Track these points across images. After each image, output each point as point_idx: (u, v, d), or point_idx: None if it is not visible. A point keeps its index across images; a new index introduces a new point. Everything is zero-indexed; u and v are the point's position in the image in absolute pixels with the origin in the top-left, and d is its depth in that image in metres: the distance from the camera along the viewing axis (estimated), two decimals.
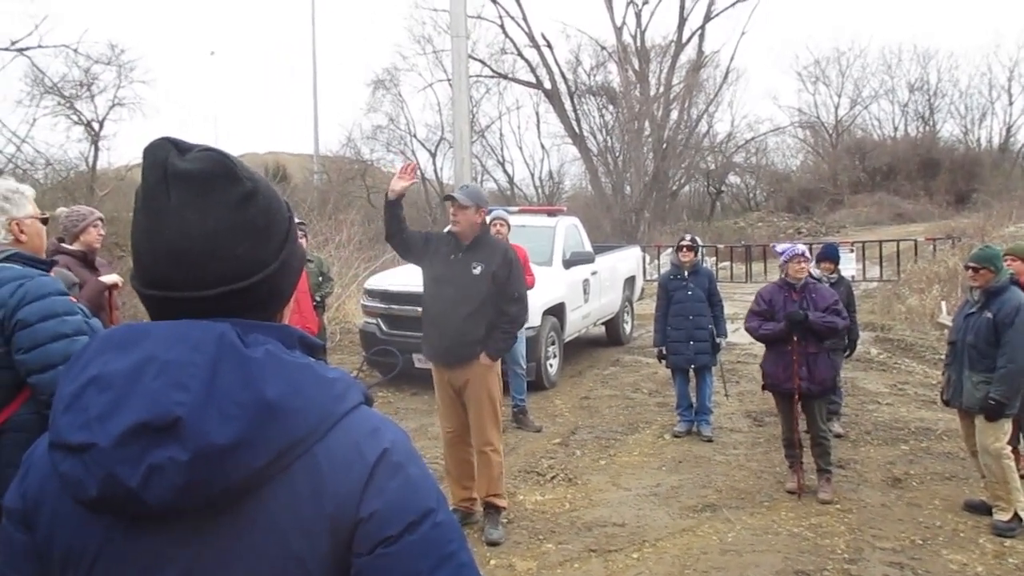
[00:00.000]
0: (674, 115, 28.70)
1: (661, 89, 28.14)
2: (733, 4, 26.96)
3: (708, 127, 32.03)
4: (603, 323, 10.36)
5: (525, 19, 26.75)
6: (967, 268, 4.80)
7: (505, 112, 38.88)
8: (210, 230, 0.87)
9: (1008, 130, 37.21)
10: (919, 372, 8.78)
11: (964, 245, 15.05)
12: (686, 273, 6.55)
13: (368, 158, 30.45)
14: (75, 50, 13.03)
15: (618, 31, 27.62)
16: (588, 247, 9.66)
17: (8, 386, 2.28)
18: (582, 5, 58.00)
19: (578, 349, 9.93)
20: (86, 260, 4.06)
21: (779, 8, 59.64)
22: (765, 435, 6.47)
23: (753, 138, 34.58)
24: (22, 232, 2.51)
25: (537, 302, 7.28)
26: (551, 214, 9.72)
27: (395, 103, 30.66)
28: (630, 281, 11.15)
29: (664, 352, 6.60)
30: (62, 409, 0.86)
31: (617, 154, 28.49)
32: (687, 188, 34.37)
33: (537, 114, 32.56)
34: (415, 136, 31.09)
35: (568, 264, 8.78)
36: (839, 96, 38.34)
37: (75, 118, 14.37)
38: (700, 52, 28.80)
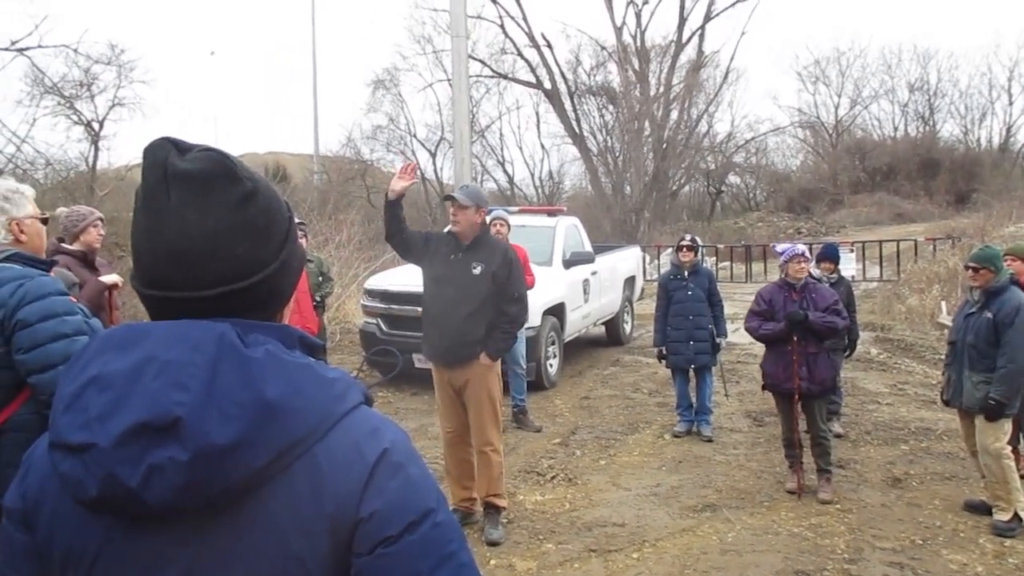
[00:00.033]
0: (674, 115, 28.74)
1: (661, 89, 28.14)
2: (733, 4, 27.01)
3: (708, 127, 32.11)
4: (603, 323, 10.36)
5: (525, 19, 26.81)
6: (967, 268, 4.81)
7: (505, 112, 38.96)
8: (210, 230, 0.87)
9: (1008, 130, 37.30)
10: (919, 372, 8.78)
11: (964, 245, 15.05)
12: (686, 273, 6.55)
13: (368, 158, 30.51)
14: (75, 50, 13.06)
15: (618, 31, 27.65)
16: (588, 247, 9.66)
17: (8, 386, 2.28)
18: (582, 5, 58.11)
19: (578, 349, 9.93)
20: (86, 260, 4.06)
21: (779, 8, 59.79)
22: (765, 435, 6.47)
23: (753, 138, 34.64)
24: (22, 232, 2.51)
25: (537, 302, 7.28)
26: (551, 214, 9.72)
27: (395, 103, 30.73)
28: (630, 281, 11.15)
29: (664, 352, 6.60)
30: (62, 409, 0.86)
31: (617, 154, 28.49)
32: (687, 188, 34.39)
33: (537, 114, 32.66)
34: (415, 136, 31.17)
35: (568, 264, 8.78)
36: (839, 96, 38.43)
37: (75, 118, 14.39)
38: (700, 52, 28.83)
